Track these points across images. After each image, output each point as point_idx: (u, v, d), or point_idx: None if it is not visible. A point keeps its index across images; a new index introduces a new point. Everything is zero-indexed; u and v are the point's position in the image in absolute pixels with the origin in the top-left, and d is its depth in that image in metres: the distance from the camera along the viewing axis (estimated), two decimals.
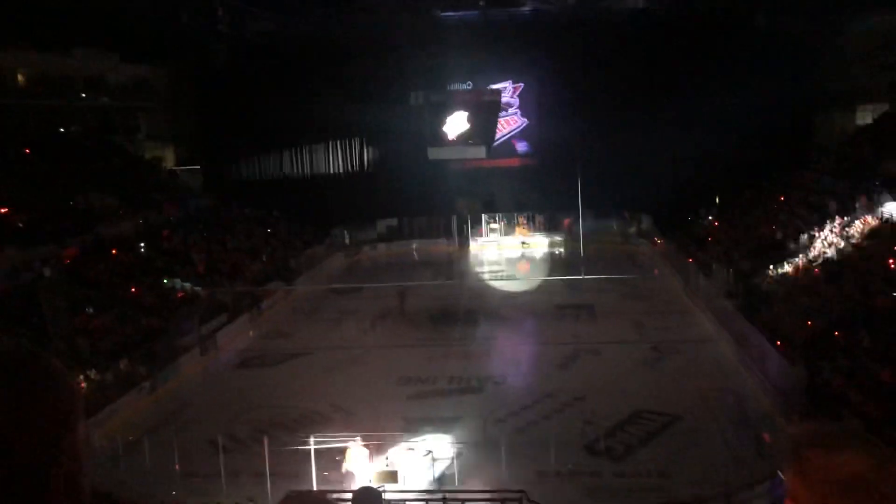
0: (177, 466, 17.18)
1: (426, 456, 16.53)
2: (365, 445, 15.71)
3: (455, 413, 19.99)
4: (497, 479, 15.87)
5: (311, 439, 16.12)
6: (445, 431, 18.64)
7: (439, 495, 15.07)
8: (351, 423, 19.64)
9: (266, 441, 16.21)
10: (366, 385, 22.38)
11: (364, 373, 23.71)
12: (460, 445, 17.69)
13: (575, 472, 16.38)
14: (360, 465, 15.42)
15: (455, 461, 16.64)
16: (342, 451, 15.76)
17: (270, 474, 15.75)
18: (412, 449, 17.11)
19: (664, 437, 18.08)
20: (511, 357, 25.26)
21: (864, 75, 37.51)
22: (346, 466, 15.48)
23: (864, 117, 38.49)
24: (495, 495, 15.14)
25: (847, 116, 40.17)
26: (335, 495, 14.99)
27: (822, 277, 23.13)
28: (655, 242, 39.24)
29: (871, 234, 24.93)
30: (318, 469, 15.84)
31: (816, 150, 38.91)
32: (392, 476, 15.41)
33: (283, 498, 14.45)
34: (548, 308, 30.09)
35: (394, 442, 17.27)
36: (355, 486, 14.21)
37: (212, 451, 17.91)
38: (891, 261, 21.93)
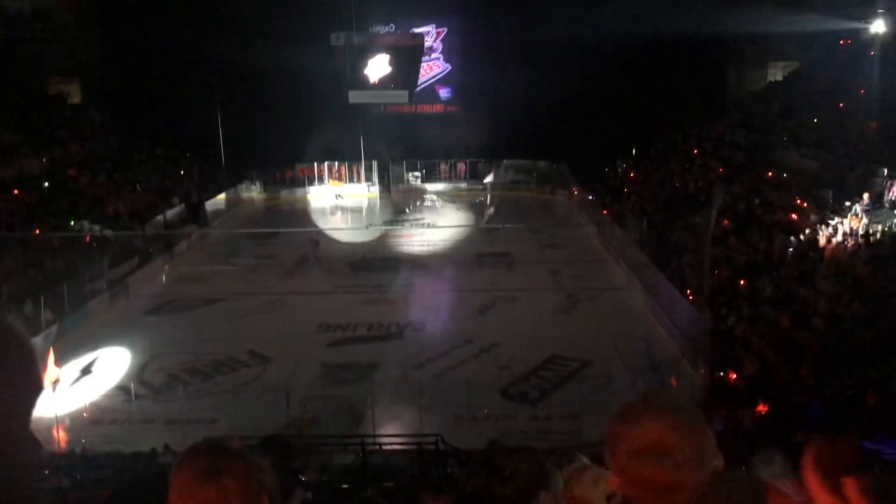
0: (85, 414, 16.81)
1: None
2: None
3: (374, 359, 20.09)
4: (414, 424, 16.10)
5: None
6: (363, 378, 18.75)
7: (356, 440, 15.19)
8: (268, 367, 19.61)
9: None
10: (283, 331, 22.20)
11: (281, 319, 23.49)
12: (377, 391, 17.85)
13: (490, 415, 16.76)
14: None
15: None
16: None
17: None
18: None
19: (576, 382, 18.63)
20: (430, 303, 25.42)
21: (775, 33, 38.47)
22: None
23: (776, 74, 39.75)
24: (412, 439, 15.34)
25: (759, 73, 41.35)
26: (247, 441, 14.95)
27: (729, 229, 23.98)
28: (573, 193, 39.86)
29: (776, 187, 25.99)
30: None
31: (729, 105, 40.00)
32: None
33: (193, 444, 14.31)
34: (467, 256, 30.28)
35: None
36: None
37: (124, 399, 17.68)
38: (792, 214, 22.95)
